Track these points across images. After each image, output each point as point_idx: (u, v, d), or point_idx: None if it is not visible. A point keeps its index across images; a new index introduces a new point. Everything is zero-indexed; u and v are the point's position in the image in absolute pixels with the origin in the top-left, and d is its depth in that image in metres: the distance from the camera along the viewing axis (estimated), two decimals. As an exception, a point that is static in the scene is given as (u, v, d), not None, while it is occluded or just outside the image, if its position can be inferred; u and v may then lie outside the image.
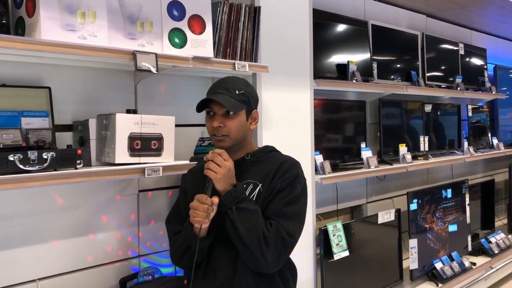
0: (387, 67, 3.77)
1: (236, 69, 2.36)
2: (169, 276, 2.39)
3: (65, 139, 2.19)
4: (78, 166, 1.92)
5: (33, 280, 2.11)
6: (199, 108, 1.85)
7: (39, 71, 2.12)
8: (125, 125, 2.06)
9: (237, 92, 1.79)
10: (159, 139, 2.16)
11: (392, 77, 3.79)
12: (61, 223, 2.20)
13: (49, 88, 2.11)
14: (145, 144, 2.12)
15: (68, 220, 2.22)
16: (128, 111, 2.16)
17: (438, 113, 4.28)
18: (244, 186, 1.82)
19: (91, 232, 2.29)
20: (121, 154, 2.05)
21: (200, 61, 2.25)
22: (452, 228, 3.91)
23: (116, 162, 2.04)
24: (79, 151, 1.93)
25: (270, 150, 1.96)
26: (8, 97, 2.00)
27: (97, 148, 2.13)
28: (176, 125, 2.56)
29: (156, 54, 2.08)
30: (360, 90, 3.32)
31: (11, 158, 1.76)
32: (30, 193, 2.08)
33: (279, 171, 1.83)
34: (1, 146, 1.82)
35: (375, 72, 3.48)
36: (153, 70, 2.07)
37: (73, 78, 2.24)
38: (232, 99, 1.78)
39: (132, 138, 2.08)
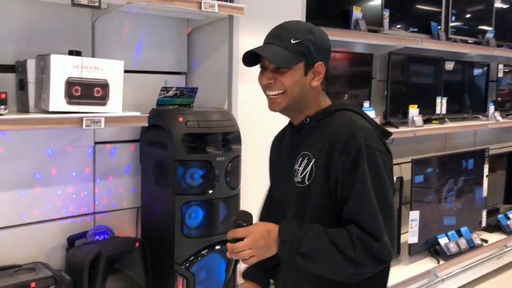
0: (402, 16, 3.31)
1: (203, 8, 2.05)
2: (121, 237, 2.19)
3: (8, 81, 1.96)
4: (2, 112, 1.70)
5: (-31, 233, 1.96)
6: (249, 62, 1.54)
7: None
8: (62, 68, 1.81)
9: (292, 41, 1.47)
10: (104, 86, 1.90)
11: (408, 28, 3.35)
12: (5, 173, 2.01)
13: (-20, 21, 1.87)
14: (86, 91, 1.86)
15: (10, 171, 2.03)
16: (70, 53, 1.90)
17: (462, 72, 3.81)
18: (300, 159, 1.52)
19: (37, 184, 2.10)
20: (57, 101, 1.81)
21: (157, -3, 1.94)
22: (464, 200, 3.55)
23: (50, 109, 1.80)
24: (3, 95, 1.70)
25: (334, 110, 1.55)
26: None
27: (35, 92, 1.90)
28: (140, 72, 2.34)
29: (98, -15, 1.79)
30: (362, 41, 2.92)
31: None
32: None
33: (335, 144, 1.45)
34: None
35: (386, 21, 3.06)
36: (94, 5, 1.78)
37: (16, 11, 1.99)
38: (284, 50, 1.46)
39: (70, 83, 1.83)
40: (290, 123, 1.65)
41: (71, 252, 2.10)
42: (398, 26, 3.23)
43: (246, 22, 2.30)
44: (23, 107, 1.93)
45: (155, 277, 2.14)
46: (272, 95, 1.51)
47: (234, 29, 2.28)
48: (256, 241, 1.42)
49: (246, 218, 1.46)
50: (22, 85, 1.93)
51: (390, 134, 1.61)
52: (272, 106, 1.53)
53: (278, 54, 1.46)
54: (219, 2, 2.10)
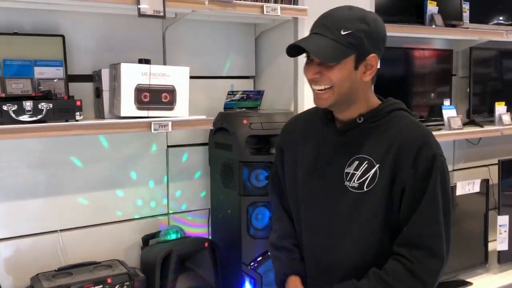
0: (486, 8, 3.10)
1: (265, 12, 2.06)
2: (192, 237, 2.26)
3: (86, 90, 2.11)
4: (78, 118, 1.83)
5: (55, 231, 2.12)
6: (293, 53, 1.41)
7: (54, 18, 2.05)
8: (131, 76, 1.91)
9: (342, 33, 1.31)
10: (171, 91, 1.98)
11: (492, 21, 3.13)
12: (84, 176, 2.16)
13: (62, 36, 2.03)
14: (154, 97, 1.96)
15: (91, 173, 2.17)
16: (140, 61, 2.00)
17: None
18: (356, 163, 1.41)
19: (115, 186, 2.23)
20: (127, 106, 1.92)
21: (219, 4, 1.99)
22: None
23: (122, 115, 1.91)
24: (78, 102, 1.84)
25: (391, 110, 1.43)
26: (21, 45, 1.96)
27: (109, 99, 2.03)
28: (207, 77, 2.41)
29: (162, -5, 1.87)
30: (438, 36, 2.78)
31: (5, 108, 1.71)
32: (51, 143, 2.06)
33: (405, 151, 1.35)
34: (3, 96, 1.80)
35: (466, 14, 2.88)
36: (160, 15, 1.87)
37: (93, 25, 2.13)
38: (332, 43, 1.31)
39: (139, 90, 1.93)
40: (325, 115, 1.50)
41: (145, 251, 2.20)
42: (481, 19, 3.03)
43: (311, 23, 2.28)
44: (99, 114, 2.06)
45: (225, 277, 2.18)
46: (318, 90, 1.39)
47: (299, 31, 2.27)
48: None
49: None
50: (98, 93, 2.07)
51: None
52: (318, 101, 1.41)
53: (324, 48, 1.31)
54: (282, 5, 2.11)
